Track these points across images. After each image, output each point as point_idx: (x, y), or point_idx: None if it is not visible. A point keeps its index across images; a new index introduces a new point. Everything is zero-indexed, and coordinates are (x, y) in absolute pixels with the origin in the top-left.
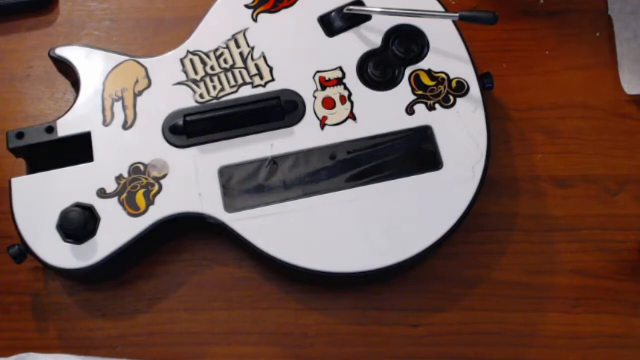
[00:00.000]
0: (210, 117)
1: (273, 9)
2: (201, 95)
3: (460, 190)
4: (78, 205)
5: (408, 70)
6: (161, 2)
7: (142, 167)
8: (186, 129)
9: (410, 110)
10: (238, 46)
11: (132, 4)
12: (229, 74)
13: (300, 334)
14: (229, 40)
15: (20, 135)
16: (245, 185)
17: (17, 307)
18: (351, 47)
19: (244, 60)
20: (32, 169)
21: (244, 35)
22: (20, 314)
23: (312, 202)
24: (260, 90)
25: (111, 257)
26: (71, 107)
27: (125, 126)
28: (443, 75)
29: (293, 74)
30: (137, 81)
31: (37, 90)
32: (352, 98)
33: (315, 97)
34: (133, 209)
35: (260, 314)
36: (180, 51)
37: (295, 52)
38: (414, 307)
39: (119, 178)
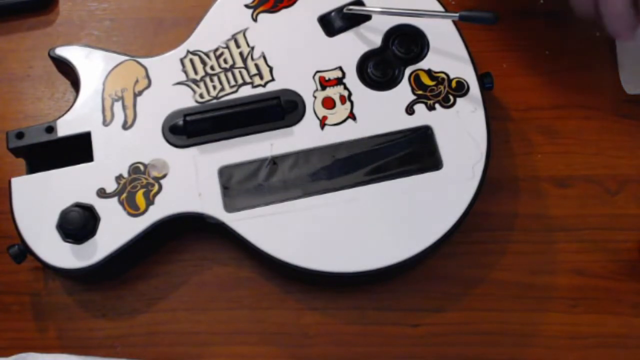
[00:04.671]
0: (210, 117)
1: (273, 9)
2: (201, 95)
3: (460, 190)
4: (78, 205)
5: (408, 70)
6: (161, 2)
7: (142, 167)
8: (186, 129)
9: (410, 110)
10: (238, 46)
11: (132, 4)
12: (229, 74)
13: (300, 334)
14: (229, 40)
15: (20, 135)
16: (245, 185)
17: (17, 307)
18: (351, 47)
19: (244, 60)
20: (32, 169)
21: (244, 35)
22: (20, 314)
23: (312, 202)
24: (260, 90)
25: (111, 257)
26: (71, 107)
27: (125, 126)
28: (443, 75)
29: (293, 74)
30: (137, 81)
31: (37, 90)
32: (352, 98)
33: (315, 97)
34: (133, 209)
35: (261, 314)
36: (180, 51)
37: (295, 52)
38: (414, 307)
39: (119, 178)
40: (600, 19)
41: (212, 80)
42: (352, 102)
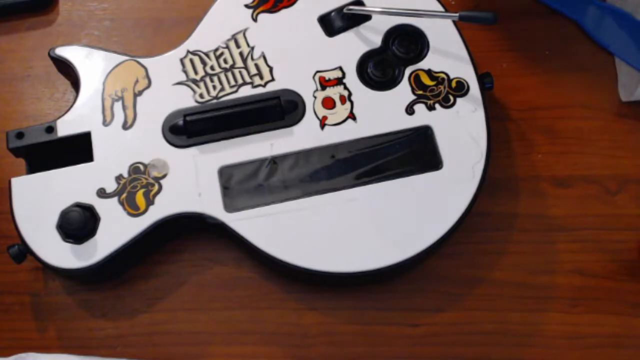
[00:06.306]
0: (210, 117)
1: (273, 9)
2: (201, 95)
3: (460, 190)
4: (78, 205)
5: (408, 70)
6: (161, 2)
7: (142, 167)
8: (186, 129)
9: (410, 110)
10: (238, 46)
11: (132, 4)
12: (229, 74)
13: (300, 334)
14: (229, 40)
15: (20, 135)
16: (245, 185)
17: (17, 307)
18: (351, 47)
19: (244, 60)
20: (32, 169)
21: (244, 35)
22: (20, 314)
23: (312, 202)
24: (260, 90)
25: (111, 257)
26: (71, 107)
27: (125, 126)
28: (443, 75)
29: (293, 74)
30: (137, 81)
31: (37, 90)
32: (352, 98)
33: (315, 97)
34: (133, 209)
35: (260, 314)
36: (180, 51)
37: (295, 52)
38: (414, 307)
39: (119, 178)
40: None
41: (212, 80)
42: (352, 102)
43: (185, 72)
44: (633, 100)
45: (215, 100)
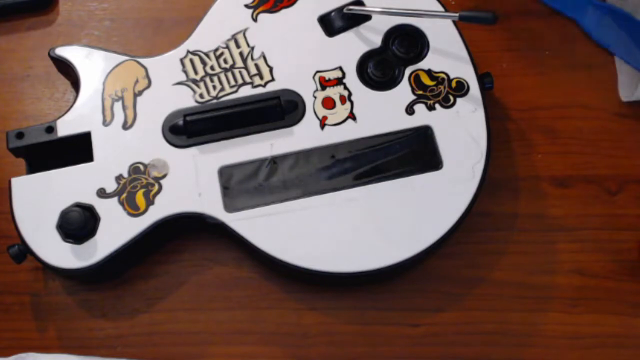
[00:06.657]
0: (210, 117)
1: (273, 9)
2: (201, 95)
3: (460, 190)
4: (78, 205)
5: (408, 70)
6: (161, 2)
7: (142, 167)
8: (186, 129)
9: (410, 110)
10: (238, 46)
11: (132, 4)
12: (229, 74)
13: (300, 334)
14: (229, 40)
15: (20, 135)
16: (245, 185)
17: (17, 307)
18: (351, 47)
19: (244, 60)
20: (32, 169)
21: (244, 35)
22: (20, 314)
23: (312, 202)
24: (260, 90)
25: (111, 257)
26: (71, 107)
27: (125, 126)
28: (443, 75)
29: (293, 74)
30: (137, 81)
31: (37, 90)
32: (352, 98)
33: (315, 97)
34: (133, 209)
35: (260, 314)
36: (180, 51)
37: (295, 52)
38: (414, 307)
39: (119, 178)
40: None
41: (212, 80)
42: (352, 102)
43: (185, 72)
44: (633, 100)
45: (215, 100)
